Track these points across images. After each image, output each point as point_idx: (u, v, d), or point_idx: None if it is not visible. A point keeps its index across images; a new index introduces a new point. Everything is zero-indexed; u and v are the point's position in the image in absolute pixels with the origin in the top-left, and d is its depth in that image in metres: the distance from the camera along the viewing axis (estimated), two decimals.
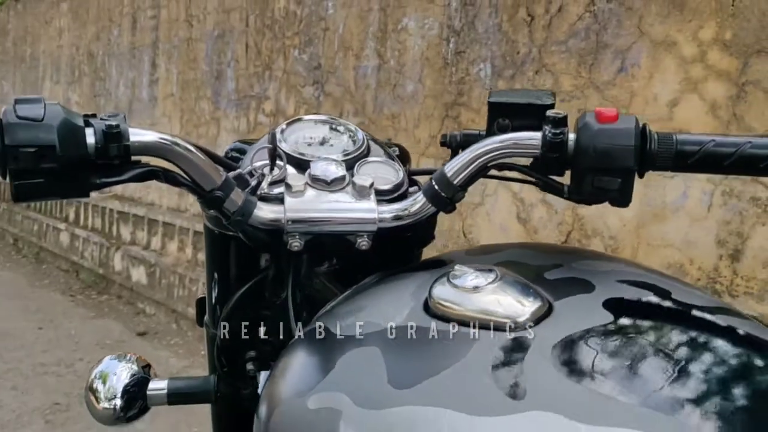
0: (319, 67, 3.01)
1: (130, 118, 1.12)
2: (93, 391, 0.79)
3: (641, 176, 0.61)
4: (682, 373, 0.47)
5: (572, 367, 0.47)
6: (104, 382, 0.79)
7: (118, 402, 0.78)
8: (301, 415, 0.51)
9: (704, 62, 1.79)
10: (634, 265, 0.62)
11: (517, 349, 0.49)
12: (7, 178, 0.57)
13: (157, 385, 0.79)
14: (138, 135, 0.58)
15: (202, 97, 3.81)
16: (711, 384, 0.47)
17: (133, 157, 0.59)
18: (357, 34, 2.82)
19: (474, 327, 0.51)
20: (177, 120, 4.02)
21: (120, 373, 0.79)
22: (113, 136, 0.56)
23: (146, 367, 0.82)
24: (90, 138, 0.56)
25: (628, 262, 0.64)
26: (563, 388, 0.46)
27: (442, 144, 0.72)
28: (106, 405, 0.78)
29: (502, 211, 2.26)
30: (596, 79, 2.02)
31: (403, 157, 0.77)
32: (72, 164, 0.55)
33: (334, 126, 0.73)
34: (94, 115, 0.58)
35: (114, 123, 0.57)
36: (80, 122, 0.57)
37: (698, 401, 0.45)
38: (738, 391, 0.47)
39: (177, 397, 0.79)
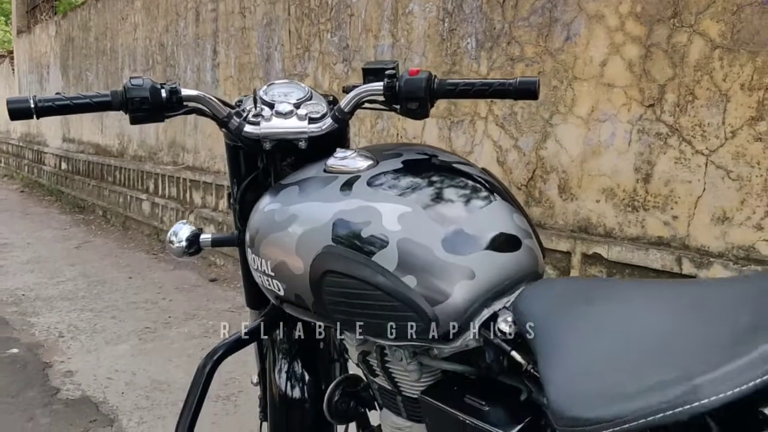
0: (347, 47, 3.60)
1: None
2: (170, 240, 1.42)
3: (432, 104, 1.18)
4: (431, 182, 1.04)
5: (376, 183, 1.05)
6: (176, 235, 1.42)
7: (184, 243, 1.40)
8: (260, 214, 1.12)
9: (623, 30, 2.30)
10: (434, 148, 1.19)
11: (356, 178, 1.07)
12: (128, 114, 1.18)
13: (205, 236, 1.42)
14: (185, 92, 1.19)
15: (256, 77, 4.46)
16: (443, 186, 1.04)
17: (184, 103, 1.20)
18: (375, 18, 3.39)
19: (342, 174, 1.10)
20: (236, 98, 4.67)
21: (185, 230, 1.42)
22: (173, 91, 1.17)
23: (200, 229, 1.44)
24: (163, 93, 1.17)
25: (435, 148, 1.21)
26: (370, 190, 1.04)
27: (344, 91, 1.30)
28: (177, 245, 1.40)
29: (486, 157, 2.82)
30: (550, 47, 2.54)
31: (334, 101, 1.35)
32: (155, 106, 1.16)
33: (293, 86, 1.32)
34: (164, 83, 1.19)
35: (173, 86, 1.18)
36: (158, 86, 1.18)
37: (434, 192, 1.02)
38: (453, 192, 1.04)
39: (216, 243, 1.42)
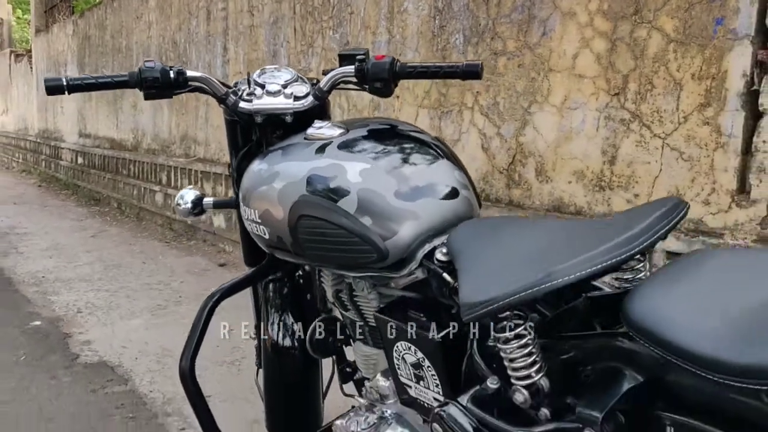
0: (348, 43, 3.83)
1: None
2: (177, 202, 1.66)
3: (395, 84, 1.41)
4: (389, 145, 1.27)
5: (344, 146, 1.28)
6: (182, 198, 1.66)
7: (189, 205, 1.64)
8: (250, 173, 1.35)
9: (592, 26, 2.52)
10: (397, 121, 1.42)
11: (329, 143, 1.30)
12: (142, 91, 1.42)
13: (207, 200, 1.66)
14: (190, 73, 1.43)
15: None
16: (398, 148, 1.26)
17: (189, 82, 1.43)
18: (373, 16, 3.63)
19: (318, 140, 1.33)
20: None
21: (190, 194, 1.66)
22: (180, 72, 1.41)
23: (203, 194, 1.68)
24: (171, 74, 1.41)
25: (399, 121, 1.44)
26: (339, 152, 1.27)
27: (323, 73, 1.53)
28: (184, 207, 1.64)
29: (472, 144, 3.05)
30: (529, 41, 2.77)
31: (316, 83, 1.58)
32: (165, 84, 1.40)
33: (282, 70, 1.56)
34: (173, 66, 1.43)
35: (180, 68, 1.42)
36: (167, 68, 1.41)
37: (391, 153, 1.25)
38: (406, 153, 1.26)
39: (217, 205, 1.65)
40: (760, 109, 2.06)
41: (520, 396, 0.94)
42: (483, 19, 2.97)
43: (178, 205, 1.67)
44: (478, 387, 1.00)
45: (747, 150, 2.10)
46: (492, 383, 0.99)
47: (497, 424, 0.94)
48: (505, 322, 0.94)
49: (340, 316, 1.53)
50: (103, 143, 8.16)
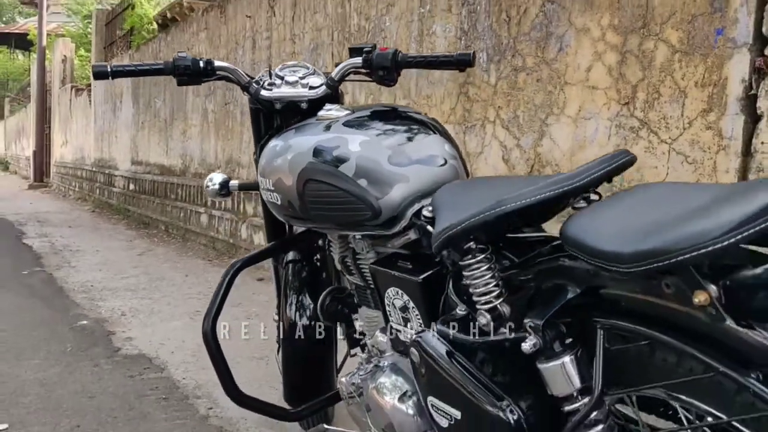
0: None
1: None
2: (206, 184, 1.85)
3: (398, 73, 1.58)
4: (388, 122, 1.43)
5: (348, 123, 1.45)
6: (211, 180, 1.85)
7: (217, 186, 1.83)
8: (268, 150, 1.53)
9: (604, 40, 2.66)
10: (400, 106, 1.59)
11: (335, 121, 1.47)
12: (175, 77, 1.62)
13: (233, 182, 1.84)
14: (218, 63, 1.62)
15: None
16: (396, 125, 1.43)
17: (217, 72, 1.63)
18: (404, 38, 3.83)
19: (327, 119, 1.50)
20: None
21: (218, 177, 1.85)
22: (208, 62, 1.60)
23: (230, 178, 1.87)
24: (201, 63, 1.60)
25: (402, 106, 1.61)
26: (343, 128, 1.44)
27: (335, 66, 1.70)
28: (212, 188, 1.83)
29: (494, 156, 3.19)
30: (546, 57, 2.92)
31: (327, 75, 1.75)
32: (195, 72, 1.60)
33: (300, 66, 1.74)
34: (202, 58, 1.62)
35: (209, 59, 1.61)
36: (198, 59, 1.61)
37: (388, 128, 1.42)
38: (402, 128, 1.43)
39: (242, 187, 1.83)
40: (758, 112, 2.17)
41: (483, 319, 1.08)
42: (505, 38, 3.13)
43: (207, 186, 1.86)
44: (448, 314, 1.14)
45: (747, 152, 2.21)
46: (460, 311, 1.13)
47: (463, 339, 1.08)
48: (470, 255, 1.09)
49: (348, 285, 1.69)
50: (154, 169, 8.53)
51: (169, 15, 7.95)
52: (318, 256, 1.89)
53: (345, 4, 4.40)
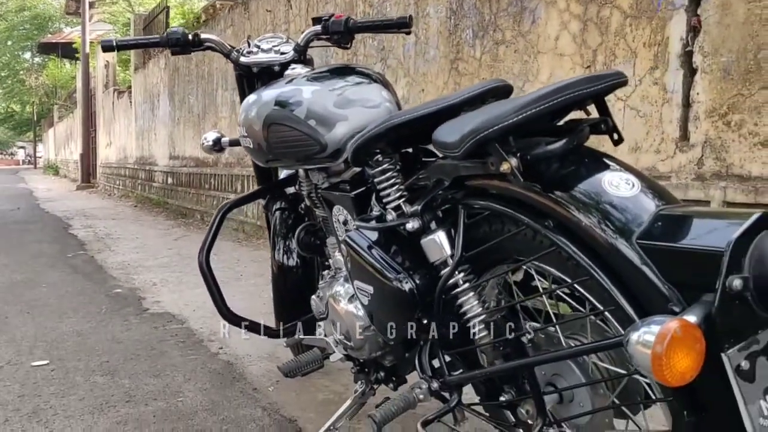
0: (384, 48, 4.34)
1: None
2: (202, 142, 2.17)
3: (352, 37, 1.88)
4: (338, 76, 1.74)
5: (306, 78, 1.75)
6: (206, 139, 2.18)
7: (210, 143, 2.16)
8: (244, 103, 1.85)
9: (569, 11, 2.92)
10: (356, 65, 1.88)
11: (297, 76, 1.78)
12: (169, 48, 1.94)
13: (225, 139, 2.17)
14: (204, 35, 1.95)
15: None
16: (344, 78, 1.73)
17: (204, 43, 1.95)
18: None
19: (292, 77, 1.81)
20: None
21: (212, 134, 2.17)
22: (195, 35, 1.93)
23: (222, 135, 2.19)
24: (190, 36, 1.93)
25: (358, 65, 1.90)
26: (302, 80, 1.74)
27: (302, 33, 2.01)
28: (207, 144, 2.16)
29: None
30: (521, 29, 3.19)
31: (298, 44, 2.06)
32: (185, 44, 1.93)
33: (276, 36, 2.05)
34: (191, 31, 1.95)
35: (197, 32, 1.94)
36: (187, 31, 1.94)
37: (337, 80, 1.72)
38: (349, 80, 1.73)
39: (232, 143, 2.16)
40: (694, 66, 2.41)
41: (390, 215, 1.37)
42: (487, 15, 3.41)
43: (203, 144, 2.19)
44: (366, 214, 1.44)
45: (687, 103, 2.45)
46: (375, 212, 1.43)
47: (373, 231, 1.38)
48: (377, 165, 1.39)
49: (317, 219, 2.00)
50: (189, 162, 8.97)
51: (203, 17, 8.36)
52: (302, 205, 2.20)
53: None
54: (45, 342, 2.92)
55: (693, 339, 0.83)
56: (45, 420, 2.09)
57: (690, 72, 2.44)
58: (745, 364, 0.85)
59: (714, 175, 2.35)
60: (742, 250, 0.85)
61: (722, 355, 0.85)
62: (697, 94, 2.40)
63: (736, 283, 0.84)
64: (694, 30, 2.41)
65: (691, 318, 0.85)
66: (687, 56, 2.43)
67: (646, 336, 0.83)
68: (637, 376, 1.13)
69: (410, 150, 1.52)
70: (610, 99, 2.74)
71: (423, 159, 1.49)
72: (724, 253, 0.84)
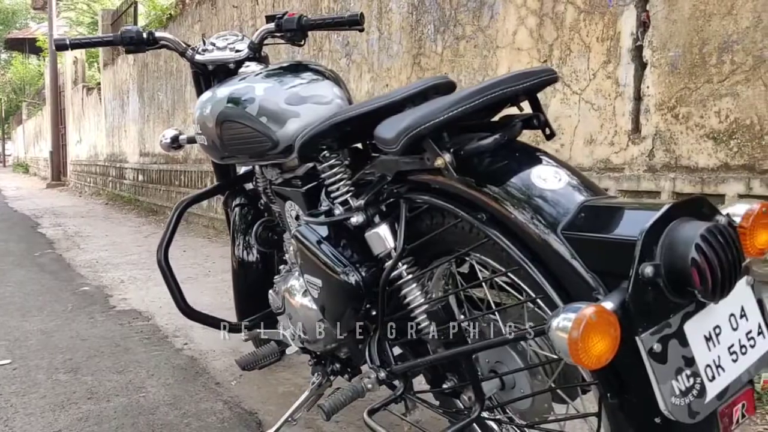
0: (348, 44, 4.37)
1: None
2: (160, 140, 2.19)
3: (305, 35, 1.91)
4: (290, 73, 1.77)
5: (259, 75, 1.78)
6: (164, 136, 2.19)
7: (169, 140, 2.17)
8: (198, 101, 1.87)
9: (526, 6, 2.97)
10: (308, 61, 1.91)
11: (250, 74, 1.80)
12: (123, 47, 1.95)
13: (182, 137, 2.18)
14: (159, 33, 1.96)
15: None
16: (296, 75, 1.76)
17: (159, 41, 1.97)
18: (367, 17, 4.15)
19: (245, 74, 1.83)
20: None
21: (170, 132, 2.19)
22: (150, 33, 1.94)
23: (180, 133, 2.21)
24: (144, 34, 1.94)
25: (311, 61, 1.93)
26: (255, 78, 1.77)
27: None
28: (165, 141, 2.17)
29: None
30: (481, 24, 3.23)
31: (252, 42, 2.08)
32: (139, 42, 1.94)
33: (231, 34, 2.07)
34: (146, 29, 1.96)
35: (151, 30, 1.95)
36: (141, 30, 1.95)
37: (289, 77, 1.75)
38: (301, 77, 1.76)
39: (189, 141, 2.17)
40: (644, 60, 2.47)
41: (337, 209, 1.41)
42: (447, 10, 3.45)
43: (161, 141, 2.20)
44: (314, 209, 1.48)
45: (638, 96, 2.51)
46: (324, 206, 1.46)
47: (320, 225, 1.41)
48: (324, 161, 1.42)
49: (275, 215, 2.03)
50: (159, 159, 8.92)
51: (173, 13, 8.30)
52: (262, 202, 2.23)
53: None
54: (8, 341, 2.92)
55: (607, 324, 0.87)
56: (5, 418, 2.09)
57: (641, 66, 2.50)
58: (657, 347, 0.90)
59: (664, 166, 2.42)
60: (654, 239, 0.90)
61: (636, 338, 0.89)
62: (648, 87, 2.46)
63: (648, 270, 0.89)
64: (643, 25, 2.47)
65: (608, 304, 0.89)
66: (637, 51, 2.49)
67: (563, 322, 0.88)
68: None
69: (360, 146, 1.56)
70: (566, 93, 2.80)
71: (372, 154, 1.53)
72: (637, 242, 0.89)
